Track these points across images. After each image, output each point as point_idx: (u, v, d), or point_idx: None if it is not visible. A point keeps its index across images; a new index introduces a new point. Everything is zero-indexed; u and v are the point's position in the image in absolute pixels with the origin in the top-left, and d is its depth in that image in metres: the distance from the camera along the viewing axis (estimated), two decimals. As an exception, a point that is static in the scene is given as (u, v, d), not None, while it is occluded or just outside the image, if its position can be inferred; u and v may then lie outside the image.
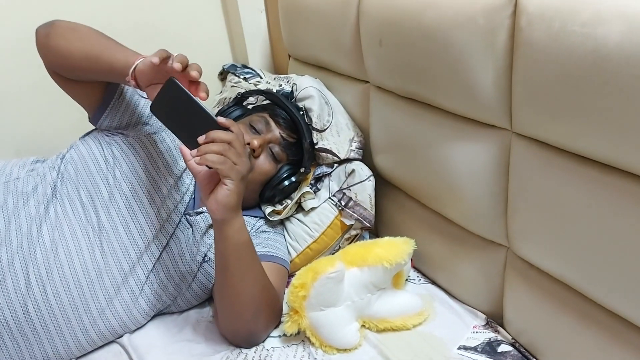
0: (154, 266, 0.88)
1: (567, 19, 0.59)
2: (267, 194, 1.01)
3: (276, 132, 1.00)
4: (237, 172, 0.73)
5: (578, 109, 0.61)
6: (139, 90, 0.85)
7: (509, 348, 0.83)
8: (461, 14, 0.72)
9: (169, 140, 0.93)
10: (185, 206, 0.92)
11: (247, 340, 0.86)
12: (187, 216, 0.92)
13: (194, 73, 0.71)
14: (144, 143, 0.91)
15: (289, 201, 1.04)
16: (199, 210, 0.93)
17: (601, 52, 0.56)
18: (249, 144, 0.93)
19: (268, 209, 1.03)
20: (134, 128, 0.92)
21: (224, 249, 0.78)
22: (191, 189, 0.93)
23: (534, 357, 0.82)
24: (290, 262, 1.02)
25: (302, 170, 1.03)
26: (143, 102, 0.93)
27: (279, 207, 1.03)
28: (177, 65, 0.69)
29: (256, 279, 0.82)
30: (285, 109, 1.03)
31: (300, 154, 1.03)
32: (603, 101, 0.58)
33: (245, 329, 0.84)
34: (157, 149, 0.91)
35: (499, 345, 0.84)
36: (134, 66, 0.74)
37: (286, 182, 1.01)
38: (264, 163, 0.97)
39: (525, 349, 0.83)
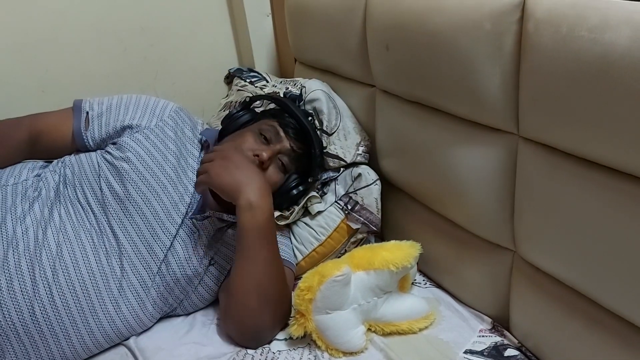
0: (159, 268, 0.88)
1: (575, 24, 0.59)
2: (276, 201, 1.00)
3: (286, 143, 0.99)
4: (207, 176, 0.86)
5: (586, 113, 0.61)
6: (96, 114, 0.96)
7: (516, 352, 0.83)
8: (468, 18, 0.73)
9: (163, 134, 0.95)
10: (186, 206, 0.91)
11: (253, 335, 0.85)
12: (195, 220, 0.92)
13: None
14: (140, 140, 0.92)
15: (295, 206, 1.04)
16: (206, 214, 0.93)
17: (609, 57, 0.56)
18: (258, 155, 0.94)
19: (275, 214, 1.03)
20: (120, 135, 0.94)
21: (240, 228, 0.84)
22: (190, 189, 0.93)
23: (541, 361, 0.82)
24: (296, 265, 1.02)
25: (310, 180, 1.03)
26: (113, 117, 0.96)
27: (286, 212, 1.04)
28: None
29: (266, 262, 0.84)
30: (294, 117, 1.02)
31: (309, 164, 1.03)
32: (611, 106, 0.58)
33: (251, 321, 0.84)
34: (153, 143, 0.92)
35: (505, 349, 0.84)
36: None
37: (294, 191, 1.01)
38: (272, 174, 0.97)
39: (531, 353, 0.83)
